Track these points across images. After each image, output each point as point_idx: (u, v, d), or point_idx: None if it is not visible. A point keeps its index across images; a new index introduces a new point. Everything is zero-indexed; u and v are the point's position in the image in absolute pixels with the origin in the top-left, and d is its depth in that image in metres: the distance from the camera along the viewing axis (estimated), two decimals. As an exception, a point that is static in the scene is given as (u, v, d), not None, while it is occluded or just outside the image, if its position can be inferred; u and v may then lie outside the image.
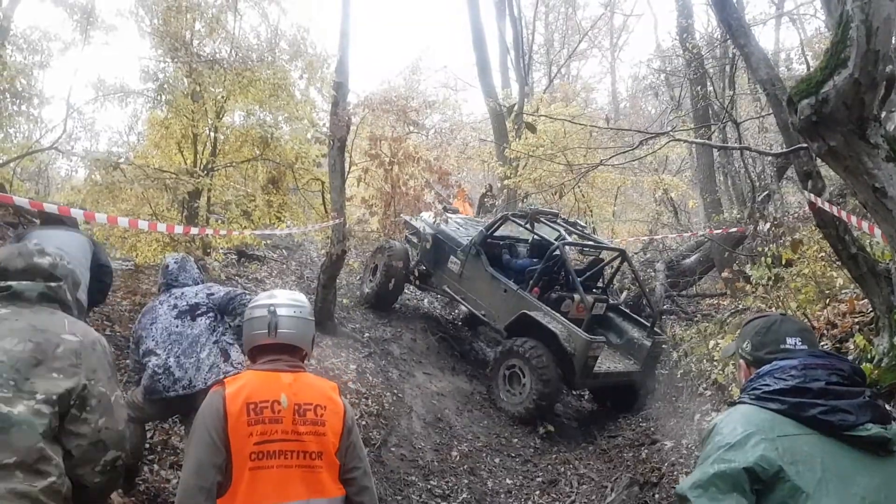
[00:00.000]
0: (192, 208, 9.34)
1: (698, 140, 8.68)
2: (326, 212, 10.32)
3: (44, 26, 13.04)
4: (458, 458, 7.50)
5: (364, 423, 7.21)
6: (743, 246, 11.62)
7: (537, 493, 7.03)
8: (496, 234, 10.38)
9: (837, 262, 6.35)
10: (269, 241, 13.03)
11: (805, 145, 2.87)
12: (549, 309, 8.84)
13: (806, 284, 7.18)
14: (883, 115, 2.43)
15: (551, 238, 9.95)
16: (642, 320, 9.71)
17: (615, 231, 15.83)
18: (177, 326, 4.45)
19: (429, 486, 6.76)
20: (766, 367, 2.01)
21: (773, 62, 13.22)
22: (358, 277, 12.90)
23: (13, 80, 10.05)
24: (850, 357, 5.37)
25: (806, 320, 6.55)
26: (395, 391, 8.51)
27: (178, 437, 5.51)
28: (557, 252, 9.22)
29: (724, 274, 10.23)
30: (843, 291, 6.82)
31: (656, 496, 6.19)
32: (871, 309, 5.37)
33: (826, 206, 4.69)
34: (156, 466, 5.15)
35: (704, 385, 8.54)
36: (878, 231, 4.18)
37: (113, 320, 7.69)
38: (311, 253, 14.22)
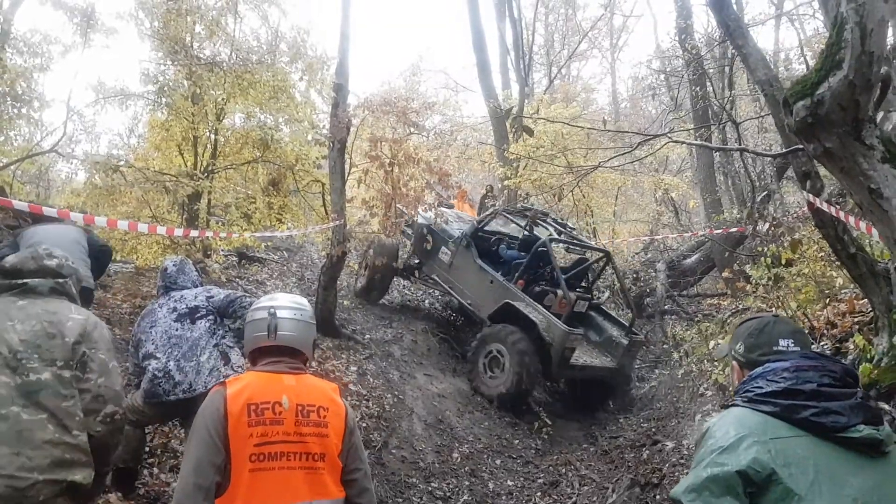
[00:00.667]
0: (192, 211, 9.35)
1: (696, 142, 8.68)
2: (327, 213, 10.33)
3: (44, 29, 13.08)
4: (459, 459, 7.49)
5: (365, 424, 7.21)
6: (743, 246, 11.62)
7: (538, 494, 7.02)
8: (489, 229, 10.75)
9: (837, 262, 6.36)
10: (269, 243, 13.04)
11: (802, 146, 2.87)
12: (531, 300, 9.11)
13: (806, 284, 7.17)
14: (880, 115, 2.43)
15: (542, 236, 10.24)
16: (621, 320, 9.84)
17: (616, 231, 15.82)
18: (176, 330, 4.43)
19: (430, 488, 6.76)
20: (759, 370, 2.01)
21: (773, 62, 13.24)
22: (358, 279, 12.94)
23: (13, 83, 10.07)
24: (850, 357, 5.37)
25: (806, 320, 6.55)
26: (396, 393, 8.51)
27: (177, 441, 5.50)
28: (544, 248, 9.44)
29: (725, 274, 10.23)
30: (842, 291, 6.81)
31: (657, 497, 6.18)
32: (870, 309, 5.37)
33: (824, 207, 4.68)
34: (155, 470, 5.14)
35: (705, 385, 8.54)
36: (875, 231, 4.19)
37: (113, 323, 7.68)
38: (311, 254, 14.23)
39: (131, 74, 25.88)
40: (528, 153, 12.31)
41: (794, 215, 7.60)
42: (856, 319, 5.87)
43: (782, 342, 2.09)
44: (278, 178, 10.31)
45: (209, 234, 8.87)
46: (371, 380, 8.48)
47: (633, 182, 16.79)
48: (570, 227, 11.15)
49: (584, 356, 9.24)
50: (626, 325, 9.62)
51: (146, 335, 4.47)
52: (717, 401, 7.76)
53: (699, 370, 8.92)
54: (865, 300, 5.58)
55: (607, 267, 10.63)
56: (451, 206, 12.85)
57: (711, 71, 11.84)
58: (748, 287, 8.68)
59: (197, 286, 4.87)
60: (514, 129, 12.33)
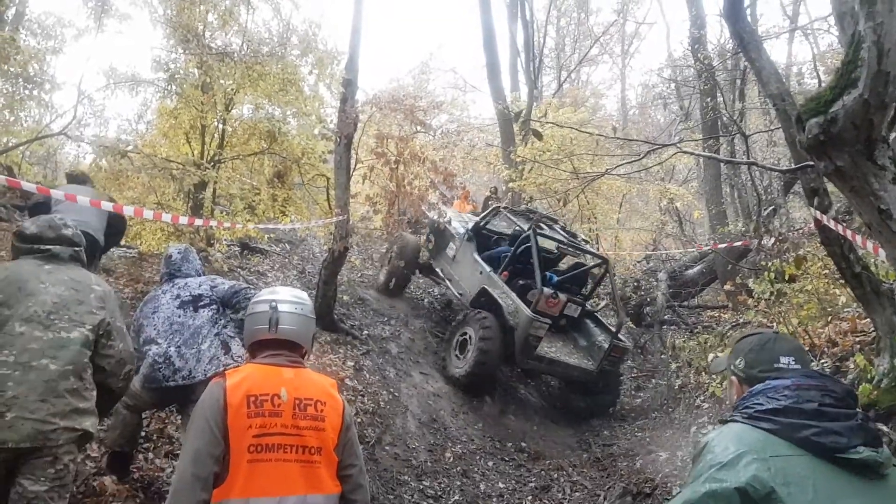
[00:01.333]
0: (197, 199, 9.34)
1: (705, 153, 8.65)
2: (330, 208, 10.32)
3: (58, 12, 13.09)
4: (451, 459, 7.49)
5: (359, 420, 7.20)
6: (746, 259, 11.59)
7: (529, 498, 7.02)
8: (493, 229, 11.04)
9: (841, 280, 6.33)
10: (272, 235, 13.05)
11: (812, 163, 2.85)
12: (507, 289, 9.27)
13: (808, 301, 7.15)
14: (893, 136, 2.41)
15: (548, 244, 10.41)
16: (610, 327, 9.83)
17: (619, 239, 15.79)
18: (179, 316, 4.43)
19: (421, 487, 6.76)
20: (759, 386, 1.99)
21: (785, 76, 13.20)
22: (359, 274, 12.94)
23: (26, 65, 10.08)
24: (850, 376, 5.35)
25: (807, 337, 6.53)
26: (392, 390, 8.51)
27: (174, 427, 5.50)
28: (528, 242, 9.55)
29: (727, 287, 10.20)
30: (845, 310, 6.79)
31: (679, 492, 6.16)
32: (872, 329, 5.36)
33: (831, 224, 4.67)
34: (150, 455, 5.15)
35: (702, 398, 8.53)
36: (882, 251, 4.17)
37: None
38: (313, 248, 14.22)
39: (142, 61, 25.90)
40: (534, 156, 12.29)
41: (800, 231, 7.57)
42: (857, 339, 5.87)
43: (783, 359, 2.07)
44: (283, 171, 10.29)
45: (213, 223, 8.85)
46: (367, 376, 8.48)
47: (639, 190, 16.76)
48: (583, 239, 11.25)
49: (558, 353, 9.33)
50: (614, 331, 9.57)
51: (148, 320, 4.47)
52: (714, 413, 7.75)
53: (696, 382, 8.91)
54: (868, 320, 5.57)
55: (605, 275, 10.66)
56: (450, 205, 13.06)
57: (722, 82, 11.82)
58: (750, 301, 8.66)
59: (200, 275, 4.86)
60: (522, 132, 12.30)
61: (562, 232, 10.66)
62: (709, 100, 11.54)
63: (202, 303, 4.51)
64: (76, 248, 3.39)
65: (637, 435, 8.57)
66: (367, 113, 12.12)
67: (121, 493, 4.43)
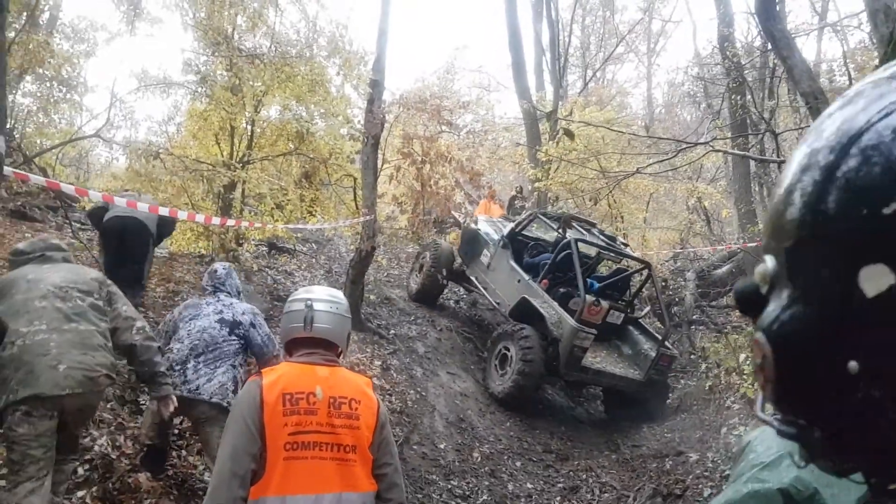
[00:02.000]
0: (226, 199, 9.45)
1: (738, 151, 8.54)
2: (357, 208, 10.39)
3: (91, 16, 13.32)
4: (479, 459, 7.50)
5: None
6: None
7: (558, 498, 7.01)
8: (528, 234, 10.66)
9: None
10: (298, 235, 13.15)
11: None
12: (548, 297, 9.03)
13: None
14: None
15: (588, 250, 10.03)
16: (657, 334, 9.62)
17: (646, 238, 15.67)
18: (213, 331, 4.59)
19: (449, 486, 6.77)
20: None
21: (815, 74, 13.02)
22: (385, 273, 13.00)
23: (60, 68, 10.28)
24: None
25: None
26: (419, 389, 8.54)
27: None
28: (568, 249, 9.25)
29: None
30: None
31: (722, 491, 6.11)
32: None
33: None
34: (184, 452, 5.23)
35: (733, 398, 8.45)
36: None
37: (147, 307, 7.80)
38: (339, 248, 14.31)
39: (173, 63, 26.18)
40: (560, 155, 12.24)
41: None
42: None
43: None
44: (311, 171, 10.38)
45: (245, 224, 8.96)
46: (395, 375, 8.52)
47: (666, 189, 16.62)
48: (622, 243, 10.95)
49: (603, 362, 9.08)
50: (660, 338, 9.34)
51: (184, 324, 4.64)
52: (745, 414, 7.68)
53: (727, 383, 8.83)
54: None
55: (648, 280, 10.43)
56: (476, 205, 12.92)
57: (751, 80, 11.69)
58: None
59: (239, 293, 5.10)
60: (553, 132, 12.21)
61: (600, 236, 10.40)
62: (738, 98, 11.43)
63: (238, 331, 4.67)
64: (66, 253, 4.03)
65: (667, 436, 8.51)
66: (393, 113, 12.16)
67: (155, 490, 4.51)
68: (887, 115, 0.56)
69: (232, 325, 4.65)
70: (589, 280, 9.58)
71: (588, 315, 8.79)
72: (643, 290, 11.37)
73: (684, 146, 6.78)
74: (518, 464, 7.67)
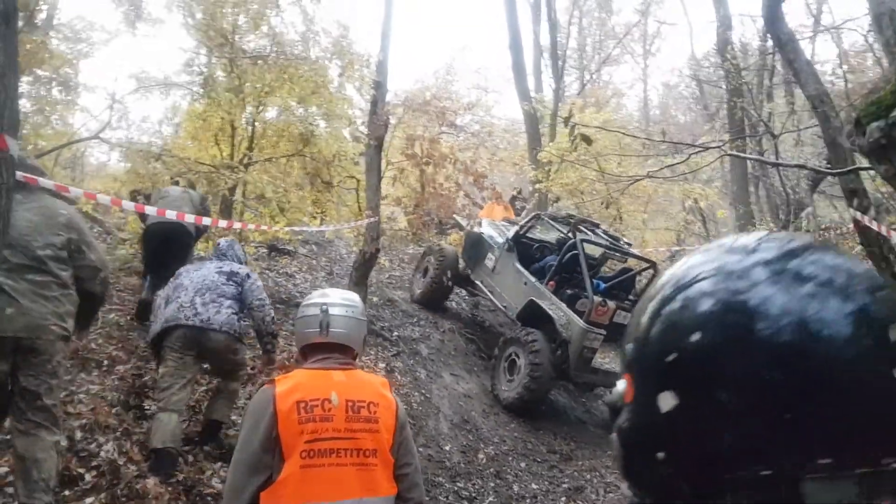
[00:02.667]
0: (227, 201, 9.45)
1: (751, 156, 8.60)
2: (360, 210, 10.38)
3: (89, 17, 13.30)
4: (484, 460, 7.51)
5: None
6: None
7: (563, 499, 7.03)
8: (533, 237, 10.61)
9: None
10: (299, 237, 13.13)
11: (864, 166, 2.85)
12: (556, 299, 8.97)
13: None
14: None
15: (593, 251, 10.03)
16: None
17: (645, 239, 15.72)
18: (213, 278, 5.22)
19: (455, 488, 6.79)
20: None
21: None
22: (387, 275, 12.99)
23: (58, 69, 10.25)
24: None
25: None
26: (423, 391, 8.55)
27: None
28: (574, 250, 9.26)
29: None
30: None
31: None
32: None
33: (873, 225, 4.65)
34: (190, 458, 5.23)
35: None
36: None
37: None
38: (340, 250, 14.28)
39: (173, 64, 26.09)
40: (562, 156, 12.26)
41: (837, 231, 7.53)
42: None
43: None
44: (314, 173, 10.37)
45: (251, 226, 8.96)
46: (398, 377, 8.52)
47: (664, 189, 16.67)
48: (626, 242, 10.91)
49: (612, 363, 9.06)
50: None
51: (188, 274, 5.37)
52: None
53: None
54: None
55: (654, 279, 10.41)
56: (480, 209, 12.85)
57: (749, 83, 11.75)
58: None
59: (242, 263, 5.72)
60: (568, 134, 12.11)
61: (605, 236, 10.38)
62: (737, 100, 11.49)
63: (235, 279, 5.31)
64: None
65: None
66: (396, 115, 12.17)
67: (162, 496, 4.50)
68: (702, 279, 0.73)
69: (229, 275, 5.29)
70: (595, 280, 9.55)
71: (596, 316, 8.75)
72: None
73: (696, 150, 6.82)
74: (523, 465, 7.69)
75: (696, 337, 0.70)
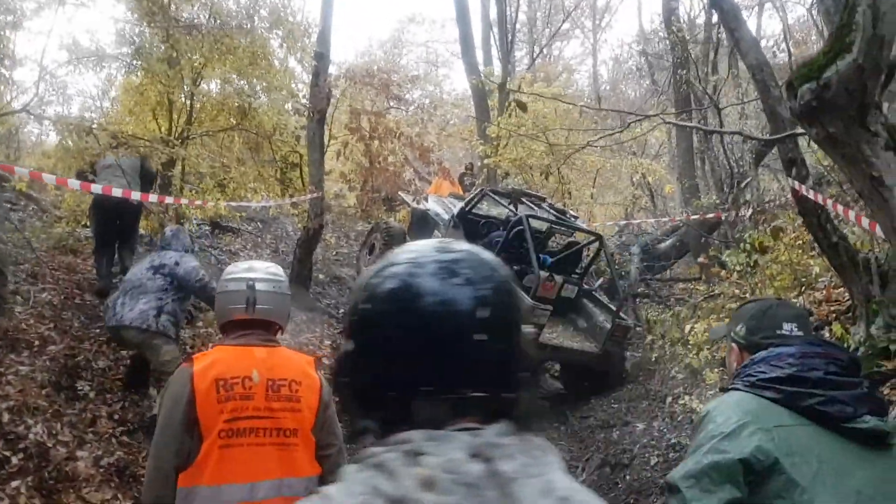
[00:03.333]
0: (164, 177, 9.12)
1: (690, 123, 8.63)
2: (304, 185, 10.13)
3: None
4: (428, 436, 7.46)
5: (336, 399, 7.12)
6: (718, 231, 11.66)
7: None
8: (479, 213, 10.46)
9: (814, 250, 6.39)
10: (243, 214, 12.84)
11: (799, 132, 2.82)
12: None
13: (781, 272, 7.20)
14: (885, 105, 2.39)
15: (539, 225, 9.97)
16: (611, 306, 9.67)
17: (593, 214, 15.82)
18: (141, 275, 5.41)
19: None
20: (762, 354, 1.94)
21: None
22: (335, 252, 12.83)
23: (-14, 41, 9.71)
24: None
25: (781, 307, 6.58)
26: (370, 369, 8.44)
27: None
28: (520, 225, 9.16)
29: (700, 259, 10.25)
30: (819, 280, 6.85)
31: (627, 477, 6.22)
32: (847, 298, 5.41)
33: (810, 194, 4.68)
34: (125, 438, 5.08)
35: (677, 368, 8.59)
36: (865, 221, 4.19)
37: (84, 288, 7.55)
38: (286, 227, 14.04)
39: (106, 35, 25.11)
40: (510, 131, 12.18)
41: (776, 203, 7.62)
42: (832, 308, 5.92)
43: (786, 326, 2.03)
44: (255, 148, 10.06)
45: (184, 201, 8.69)
46: (344, 354, 8.40)
47: (612, 165, 16.77)
48: (572, 216, 10.87)
49: (560, 338, 9.09)
50: (614, 309, 9.27)
51: (129, 274, 5.70)
52: (689, 384, 7.81)
53: (671, 353, 8.97)
54: (842, 289, 5.63)
55: (600, 252, 10.44)
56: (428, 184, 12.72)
57: (695, 55, 11.80)
58: (723, 273, 8.73)
59: (187, 251, 5.78)
60: (505, 106, 12.04)
61: (551, 210, 10.33)
62: (682, 72, 11.54)
63: (162, 271, 5.41)
64: None
65: (613, 406, 8.61)
66: (340, 87, 11.89)
67: (94, 478, 4.38)
68: (395, 264, 0.99)
69: (157, 268, 5.41)
70: (542, 255, 9.54)
71: (543, 291, 8.72)
72: (595, 262, 11.44)
73: (636, 119, 6.81)
74: (469, 439, 7.66)
75: (360, 303, 0.99)
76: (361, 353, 0.99)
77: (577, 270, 10.24)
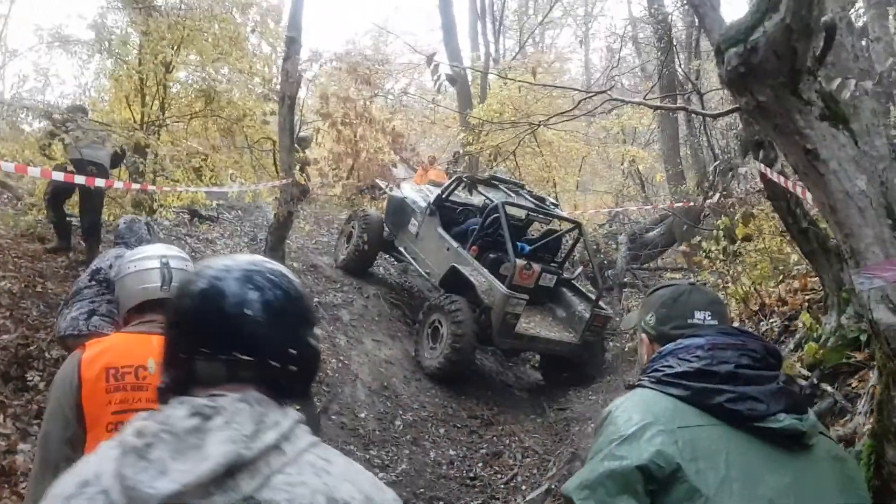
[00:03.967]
0: (133, 164, 8.90)
1: (636, 100, 8.41)
2: (278, 172, 9.91)
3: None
4: (401, 427, 7.33)
5: None
6: (704, 220, 11.50)
7: (480, 465, 6.91)
8: (456, 200, 10.33)
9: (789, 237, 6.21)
10: (222, 202, 12.66)
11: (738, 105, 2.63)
12: (478, 265, 8.76)
13: (761, 260, 7.03)
14: (837, 82, 2.20)
15: (517, 212, 9.83)
16: (590, 295, 9.51)
17: (577, 203, 15.63)
18: (80, 281, 5.12)
19: (368, 457, 6.58)
20: (670, 346, 1.74)
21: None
22: (314, 241, 12.64)
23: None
24: (798, 335, 5.24)
25: (759, 297, 6.42)
26: (342, 358, 8.29)
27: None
28: (496, 213, 9.01)
29: (683, 248, 10.09)
30: (796, 268, 6.68)
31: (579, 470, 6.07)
32: (821, 286, 5.23)
33: (776, 178, 4.49)
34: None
35: (656, 359, 8.44)
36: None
37: (46, 276, 7.37)
38: (268, 215, 13.85)
39: (76, 21, 24.84)
40: (489, 118, 11.98)
41: (750, 188, 7.44)
42: (807, 297, 5.74)
43: (698, 314, 1.83)
44: (226, 134, 9.83)
45: (153, 187, 8.49)
46: (317, 346, 8.24)
47: (599, 153, 16.58)
48: (551, 203, 10.67)
49: (538, 328, 8.93)
50: (593, 299, 9.16)
51: None
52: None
53: (651, 344, 8.82)
54: (817, 277, 5.45)
55: (579, 240, 10.28)
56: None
57: (678, 39, 11.61)
58: (704, 262, 8.56)
59: (142, 242, 5.23)
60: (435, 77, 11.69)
61: (529, 197, 10.16)
62: (664, 57, 11.34)
63: (97, 276, 5.08)
64: None
65: (591, 398, 8.48)
66: (313, 72, 11.66)
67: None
68: (209, 272, 1.23)
69: (93, 273, 5.09)
70: (519, 243, 9.37)
71: (520, 280, 8.56)
72: (575, 250, 11.28)
73: (586, 95, 6.62)
74: (442, 431, 7.53)
75: (187, 301, 1.21)
76: (176, 331, 1.24)
77: (557, 259, 10.07)
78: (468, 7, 20.02)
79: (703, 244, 7.65)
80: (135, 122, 9.41)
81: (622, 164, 16.97)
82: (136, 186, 8.10)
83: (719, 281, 7.92)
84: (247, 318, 1.15)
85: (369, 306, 10.11)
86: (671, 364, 1.69)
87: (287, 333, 1.20)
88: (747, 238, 7.08)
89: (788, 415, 1.56)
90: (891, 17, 5.83)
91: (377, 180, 10.97)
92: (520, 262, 8.60)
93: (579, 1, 30.16)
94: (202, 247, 10.65)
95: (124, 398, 2.17)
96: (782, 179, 4.48)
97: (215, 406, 1.07)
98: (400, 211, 10.52)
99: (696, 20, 10.51)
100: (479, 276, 8.54)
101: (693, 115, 9.93)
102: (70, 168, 7.47)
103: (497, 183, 9.98)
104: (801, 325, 5.25)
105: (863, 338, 4.26)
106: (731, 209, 6.84)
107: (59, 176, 6.90)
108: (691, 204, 10.08)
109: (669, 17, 11.47)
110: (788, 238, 6.83)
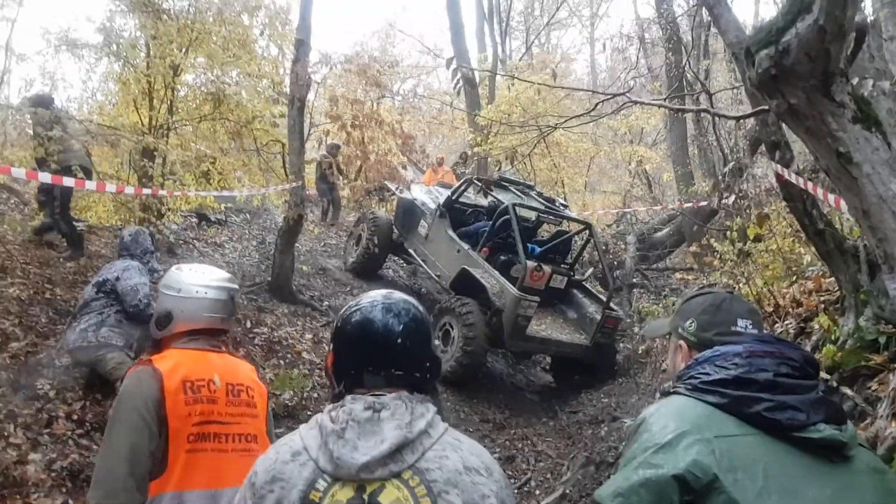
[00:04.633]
0: (142, 168, 8.90)
1: (655, 102, 8.35)
2: (286, 174, 9.90)
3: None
4: (413, 432, 7.27)
5: (316, 395, 6.96)
6: (713, 220, 11.44)
7: (493, 469, 6.84)
8: (468, 202, 10.30)
9: (805, 238, 6.16)
10: (230, 205, 12.66)
11: (766, 108, 2.60)
12: (489, 267, 8.71)
13: (773, 260, 6.98)
14: (855, 81, 2.16)
15: (527, 214, 9.78)
16: (601, 296, 9.45)
17: (586, 203, 15.59)
18: (87, 294, 5.27)
19: (380, 461, 6.52)
20: (707, 353, 1.70)
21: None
22: (322, 243, 12.63)
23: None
24: (814, 337, 5.18)
25: (772, 297, 6.37)
26: (353, 362, 8.23)
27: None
28: (507, 214, 8.96)
29: (693, 248, 10.02)
30: (810, 269, 6.63)
31: (611, 476, 6.02)
32: (837, 287, 5.18)
33: (793, 178, 4.45)
34: (84, 441, 4.88)
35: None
36: (843, 205, 3.96)
37: (55, 282, 7.35)
38: (276, 218, 13.85)
39: (87, 25, 24.92)
40: (497, 118, 11.95)
41: (764, 189, 7.38)
42: (822, 298, 5.68)
43: (741, 322, 1.79)
44: (235, 137, 9.81)
45: (163, 192, 8.49)
46: (327, 348, 8.18)
47: (607, 153, 16.54)
48: (561, 204, 10.62)
49: (549, 329, 8.88)
50: (604, 300, 9.07)
51: None
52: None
53: (662, 345, 8.75)
54: (832, 278, 5.40)
55: (590, 241, 10.22)
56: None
57: (687, 39, 11.55)
58: (715, 262, 8.51)
59: (147, 254, 5.60)
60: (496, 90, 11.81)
61: (539, 199, 10.11)
62: (672, 56, 11.28)
63: (104, 288, 5.22)
64: None
65: (603, 401, 8.41)
66: (321, 74, 11.65)
67: (44, 483, 4.17)
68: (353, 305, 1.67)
69: (99, 285, 5.21)
70: (530, 245, 9.35)
71: (530, 281, 8.51)
72: (585, 251, 11.22)
73: (602, 99, 6.57)
74: (454, 435, 7.47)
75: (338, 322, 1.64)
76: (338, 346, 1.61)
77: (567, 260, 10.02)
78: (475, 8, 19.97)
79: (715, 244, 7.60)
80: (143, 125, 9.42)
81: (629, 165, 16.91)
82: (146, 191, 8.08)
83: (731, 282, 7.88)
84: (398, 346, 1.56)
85: (379, 309, 10.05)
86: (708, 371, 1.65)
87: (423, 350, 1.63)
88: (757, 238, 7.02)
89: (828, 425, 1.53)
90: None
91: (386, 182, 10.94)
92: (531, 263, 8.56)
93: (584, 1, 30.16)
94: (210, 250, 10.65)
95: (202, 410, 2.25)
96: (800, 180, 4.44)
97: (382, 403, 1.47)
98: (409, 213, 10.47)
99: (705, 20, 10.47)
100: (490, 278, 8.48)
101: (701, 114, 9.87)
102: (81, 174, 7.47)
103: (507, 184, 9.93)
104: (817, 327, 5.20)
105: (882, 340, 4.21)
106: (747, 211, 6.77)
107: (70, 182, 6.90)
108: (703, 204, 10.00)
109: (679, 17, 11.41)
110: (801, 238, 6.79)
